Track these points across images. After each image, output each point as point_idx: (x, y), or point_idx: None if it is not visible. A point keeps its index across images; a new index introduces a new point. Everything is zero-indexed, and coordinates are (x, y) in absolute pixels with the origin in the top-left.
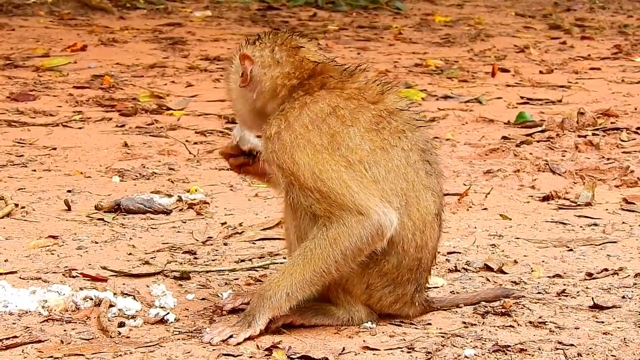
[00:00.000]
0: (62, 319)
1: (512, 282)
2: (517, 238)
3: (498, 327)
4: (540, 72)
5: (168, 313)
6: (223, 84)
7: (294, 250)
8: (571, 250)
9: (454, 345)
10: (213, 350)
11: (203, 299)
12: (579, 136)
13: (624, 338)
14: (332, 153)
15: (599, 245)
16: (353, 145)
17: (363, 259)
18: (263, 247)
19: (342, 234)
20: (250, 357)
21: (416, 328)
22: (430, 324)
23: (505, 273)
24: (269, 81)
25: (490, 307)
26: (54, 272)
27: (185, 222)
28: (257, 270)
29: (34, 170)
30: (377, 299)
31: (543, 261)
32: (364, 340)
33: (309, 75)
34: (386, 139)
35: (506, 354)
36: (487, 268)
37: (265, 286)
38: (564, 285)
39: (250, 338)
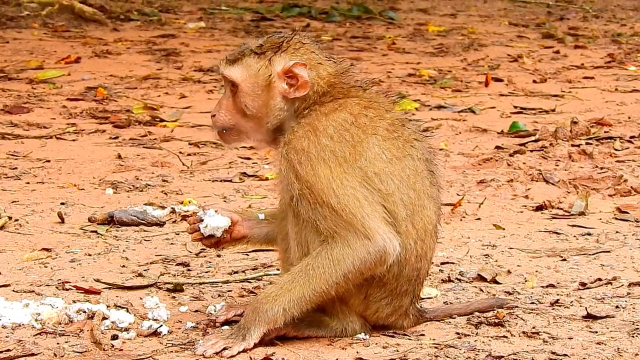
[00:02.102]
0: (56, 332)
1: (505, 292)
2: (511, 248)
3: (491, 337)
4: (534, 81)
5: (161, 325)
6: (239, 103)
7: (293, 255)
8: (565, 260)
9: (447, 356)
10: None
11: (196, 311)
12: (573, 145)
13: (618, 348)
14: (353, 164)
15: (593, 254)
16: (372, 155)
17: (360, 282)
18: (256, 259)
19: (346, 256)
20: None
21: (409, 339)
22: (423, 334)
23: (498, 283)
24: (322, 81)
25: (483, 317)
26: (47, 285)
27: (178, 234)
28: (250, 282)
29: (28, 183)
30: (374, 311)
31: (536, 271)
32: (357, 352)
33: (342, 79)
34: (400, 147)
35: None
36: (481, 278)
37: (261, 299)
38: (558, 295)
39: (244, 351)
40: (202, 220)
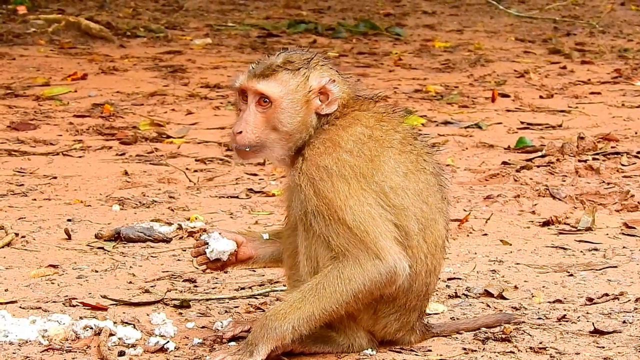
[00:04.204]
0: (62, 349)
1: (512, 307)
2: (518, 263)
3: (498, 353)
4: (541, 96)
5: (168, 341)
6: (279, 116)
7: (302, 270)
8: (572, 275)
9: None
10: None
11: (203, 327)
12: (579, 161)
13: None
14: (370, 180)
15: (600, 270)
16: (389, 169)
17: (370, 301)
18: (263, 275)
19: (357, 276)
20: None
21: (416, 355)
22: (430, 350)
23: (505, 299)
24: (344, 96)
25: (490, 332)
26: (54, 302)
27: (185, 250)
28: (257, 298)
29: (35, 200)
30: (382, 326)
31: (543, 286)
32: None
33: (355, 93)
34: (414, 161)
35: None
36: (488, 294)
37: (270, 316)
38: (565, 310)
39: None
40: (207, 244)
